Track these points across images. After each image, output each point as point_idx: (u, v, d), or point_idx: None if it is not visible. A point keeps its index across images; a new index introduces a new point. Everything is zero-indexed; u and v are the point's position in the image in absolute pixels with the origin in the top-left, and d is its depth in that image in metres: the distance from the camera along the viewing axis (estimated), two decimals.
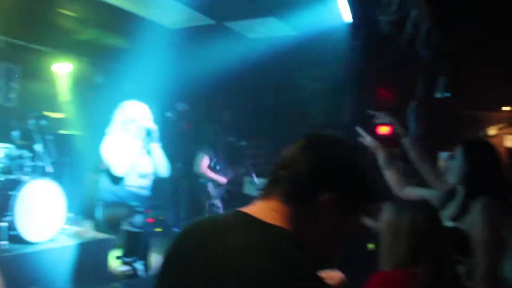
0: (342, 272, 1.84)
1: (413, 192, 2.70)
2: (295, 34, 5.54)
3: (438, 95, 5.41)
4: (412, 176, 2.91)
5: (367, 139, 2.82)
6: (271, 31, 5.55)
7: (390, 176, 2.81)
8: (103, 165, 3.82)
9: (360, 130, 2.86)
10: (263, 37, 5.77)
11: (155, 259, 4.32)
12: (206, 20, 5.33)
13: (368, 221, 2.10)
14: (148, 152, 3.95)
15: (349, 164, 1.10)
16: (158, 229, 7.43)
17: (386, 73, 6.23)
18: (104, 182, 3.88)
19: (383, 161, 2.81)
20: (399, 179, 2.80)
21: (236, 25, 5.45)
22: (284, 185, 1.07)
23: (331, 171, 1.07)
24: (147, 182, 3.93)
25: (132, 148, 3.79)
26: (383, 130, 5.05)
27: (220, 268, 0.97)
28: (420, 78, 5.76)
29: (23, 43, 6.20)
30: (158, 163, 3.95)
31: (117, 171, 3.72)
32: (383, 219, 1.98)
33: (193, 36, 5.80)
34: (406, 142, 2.83)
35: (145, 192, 3.93)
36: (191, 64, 6.63)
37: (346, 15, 4.97)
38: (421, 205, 2.02)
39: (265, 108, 6.59)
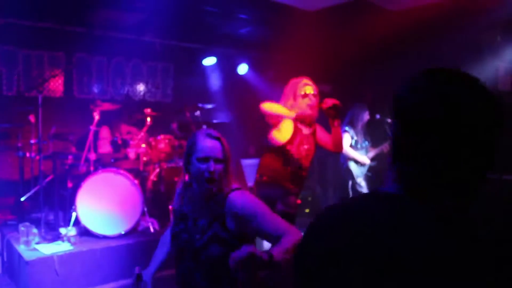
0: None
1: None
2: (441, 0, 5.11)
3: None
4: None
5: None
6: (415, 1, 5.19)
7: None
8: (268, 146, 3.70)
9: None
10: (405, 8, 5.44)
11: None
12: None
13: None
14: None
15: None
16: (306, 210, 7.58)
17: None
18: (266, 162, 3.75)
19: None
20: None
21: None
22: None
23: None
24: (307, 163, 3.73)
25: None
26: None
27: None
28: None
29: (175, 43, 6.78)
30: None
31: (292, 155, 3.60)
32: None
33: (332, 15, 5.70)
34: None
35: (304, 174, 3.73)
36: (331, 44, 6.55)
37: None
38: None
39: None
